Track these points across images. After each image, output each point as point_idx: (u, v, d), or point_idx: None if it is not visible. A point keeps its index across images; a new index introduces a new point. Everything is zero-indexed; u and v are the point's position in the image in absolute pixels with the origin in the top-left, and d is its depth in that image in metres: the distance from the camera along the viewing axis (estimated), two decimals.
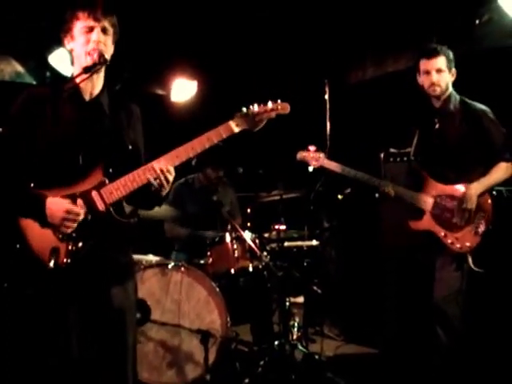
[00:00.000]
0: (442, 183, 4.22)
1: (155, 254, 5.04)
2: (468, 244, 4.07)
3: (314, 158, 4.58)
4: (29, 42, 6.02)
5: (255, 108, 3.01)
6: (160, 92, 7.30)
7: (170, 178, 2.91)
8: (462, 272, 4.11)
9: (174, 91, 7.06)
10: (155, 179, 2.87)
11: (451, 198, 4.16)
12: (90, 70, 2.89)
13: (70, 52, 3.04)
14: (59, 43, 3.07)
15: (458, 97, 4.29)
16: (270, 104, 3.04)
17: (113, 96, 3.10)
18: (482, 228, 4.05)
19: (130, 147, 3.03)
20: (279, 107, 3.06)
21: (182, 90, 7.05)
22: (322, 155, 4.58)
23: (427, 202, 4.23)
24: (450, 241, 4.13)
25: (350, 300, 6.58)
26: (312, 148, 4.63)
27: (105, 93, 3.08)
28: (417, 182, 4.35)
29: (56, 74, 5.97)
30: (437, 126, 4.32)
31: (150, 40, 6.16)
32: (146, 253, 4.98)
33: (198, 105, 7.20)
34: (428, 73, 4.19)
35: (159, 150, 3.09)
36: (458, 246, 4.10)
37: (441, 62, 4.18)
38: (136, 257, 4.72)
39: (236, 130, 2.98)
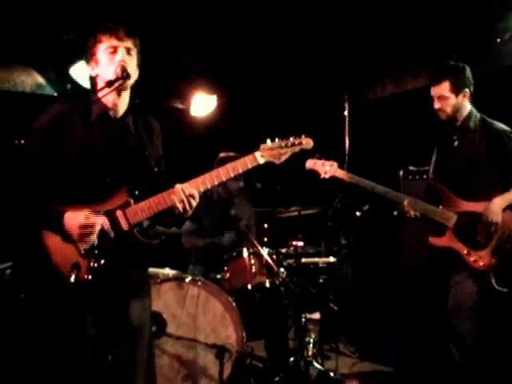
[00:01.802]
0: (464, 200, 4.15)
1: (172, 267, 5.04)
2: (492, 262, 4.00)
3: (325, 167, 4.41)
4: (50, 54, 6.07)
5: (280, 142, 3.16)
6: (180, 106, 7.34)
7: (194, 203, 2.99)
8: (477, 289, 4.05)
9: (194, 105, 7.09)
10: (180, 203, 2.94)
11: (475, 214, 4.07)
12: (112, 84, 2.90)
13: (95, 78, 3.05)
14: (80, 55, 3.08)
15: (478, 115, 4.24)
16: (292, 139, 3.19)
17: (135, 115, 3.14)
18: (506, 246, 3.99)
19: (156, 169, 3.07)
20: (303, 142, 3.21)
21: (202, 104, 7.09)
22: (335, 164, 4.41)
23: (450, 217, 4.13)
24: (472, 259, 4.05)
25: (365, 317, 6.54)
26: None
27: (130, 113, 3.11)
28: (435, 199, 4.27)
29: (77, 85, 6.01)
30: (456, 143, 4.28)
31: (171, 55, 6.20)
32: (162, 266, 4.98)
33: (217, 119, 7.24)
34: (433, 99, 4.20)
35: (178, 164, 3.11)
36: (482, 263, 4.02)
37: (443, 88, 4.14)
38: (153, 270, 4.72)
39: (261, 161, 3.13)
